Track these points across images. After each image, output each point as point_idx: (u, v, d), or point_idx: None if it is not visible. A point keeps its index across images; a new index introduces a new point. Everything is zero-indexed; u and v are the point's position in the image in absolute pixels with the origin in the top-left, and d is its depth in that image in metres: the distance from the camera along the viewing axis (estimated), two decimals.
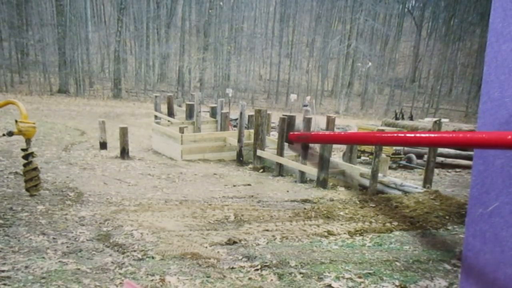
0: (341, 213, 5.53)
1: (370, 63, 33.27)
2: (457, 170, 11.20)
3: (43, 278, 3.07)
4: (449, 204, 5.84)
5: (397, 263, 3.84)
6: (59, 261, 3.40)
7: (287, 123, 9.14)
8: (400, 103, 33.70)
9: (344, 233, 4.67)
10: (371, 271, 3.60)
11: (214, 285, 3.16)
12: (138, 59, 34.81)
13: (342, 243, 4.35)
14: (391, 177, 7.86)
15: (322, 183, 7.54)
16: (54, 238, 3.95)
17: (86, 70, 31.30)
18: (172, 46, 35.24)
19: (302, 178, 8.09)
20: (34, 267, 3.25)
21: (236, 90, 33.09)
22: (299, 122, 10.79)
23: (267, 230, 4.61)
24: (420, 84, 39.57)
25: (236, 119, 13.13)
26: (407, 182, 7.67)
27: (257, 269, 3.50)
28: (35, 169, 5.38)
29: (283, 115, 8.98)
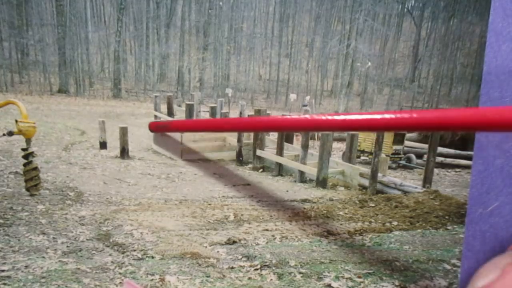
0: (341, 213, 5.54)
1: (369, 63, 33.28)
2: (457, 170, 11.21)
3: (43, 277, 3.07)
4: (449, 204, 5.85)
5: (397, 263, 3.84)
6: (59, 261, 3.40)
7: None
8: (400, 103, 33.72)
9: (344, 233, 4.67)
10: (370, 271, 3.60)
11: (213, 285, 3.16)
12: (138, 59, 34.82)
13: (342, 242, 4.35)
14: (390, 177, 7.87)
15: (321, 183, 7.54)
16: (54, 238, 3.95)
17: (86, 70, 31.29)
18: (172, 46, 35.24)
19: (302, 178, 8.10)
20: (34, 266, 3.25)
21: (236, 90, 33.10)
22: None
23: (267, 230, 4.61)
24: (420, 84, 39.58)
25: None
26: (407, 182, 7.67)
27: (257, 269, 3.50)
28: (35, 168, 5.38)
29: (283, 115, 8.99)
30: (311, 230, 4.72)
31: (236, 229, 4.61)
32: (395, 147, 11.07)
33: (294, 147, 9.50)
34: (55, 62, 29.35)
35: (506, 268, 0.17)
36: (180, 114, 13.89)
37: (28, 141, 5.28)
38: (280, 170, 8.75)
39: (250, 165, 9.53)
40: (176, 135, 9.93)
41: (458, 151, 12.10)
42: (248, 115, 11.65)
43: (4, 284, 2.92)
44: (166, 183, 7.20)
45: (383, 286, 3.33)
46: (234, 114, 14.25)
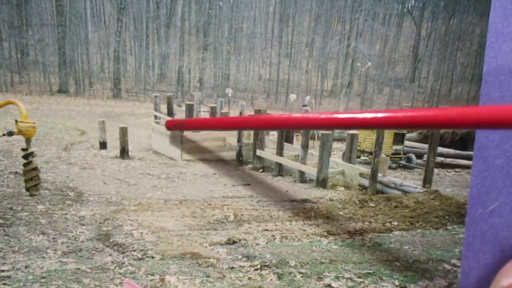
0: (341, 213, 5.54)
1: (369, 63, 33.27)
2: (457, 170, 11.20)
3: (43, 277, 3.07)
4: (449, 204, 5.85)
5: (397, 263, 3.84)
6: (59, 261, 3.40)
7: None
8: (400, 103, 33.71)
9: (344, 233, 4.67)
10: (370, 271, 3.60)
11: (213, 285, 3.16)
12: (138, 59, 34.81)
13: (342, 243, 4.35)
14: (390, 177, 7.87)
15: (321, 183, 7.54)
16: (54, 238, 3.94)
17: (86, 70, 31.28)
18: (172, 46, 35.24)
19: (302, 178, 8.10)
20: (34, 266, 3.25)
21: (236, 90, 33.09)
22: None
23: (267, 230, 4.61)
24: (420, 84, 39.57)
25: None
26: (407, 182, 7.67)
27: (257, 269, 3.50)
28: (35, 169, 5.38)
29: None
30: (311, 230, 4.72)
31: (236, 229, 4.61)
32: (395, 147, 11.07)
33: (294, 147, 9.50)
34: (55, 62, 29.35)
35: None
36: (180, 114, 13.89)
37: (28, 141, 5.28)
38: (280, 170, 8.75)
39: (250, 165, 9.53)
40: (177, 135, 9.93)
41: (458, 151, 12.10)
42: (248, 115, 11.64)
43: (4, 284, 2.92)
44: (166, 183, 7.20)
45: (383, 286, 3.33)
46: (234, 114, 14.24)
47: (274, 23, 42.74)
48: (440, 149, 10.77)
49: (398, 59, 41.94)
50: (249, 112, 12.45)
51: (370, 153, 10.65)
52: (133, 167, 8.43)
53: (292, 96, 13.55)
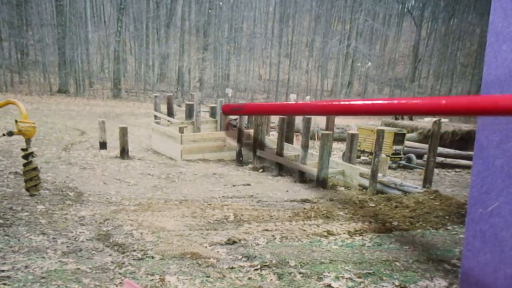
0: (341, 213, 5.54)
1: (369, 63, 33.27)
2: (457, 170, 11.21)
3: (43, 277, 3.07)
4: (449, 204, 5.85)
5: (397, 263, 3.84)
6: (59, 261, 3.40)
7: (287, 123, 9.14)
8: None
9: (344, 233, 4.67)
10: (370, 271, 3.60)
11: (213, 285, 3.16)
12: (138, 59, 34.82)
13: (342, 243, 4.35)
14: (390, 177, 7.87)
15: (321, 183, 7.54)
16: (54, 238, 3.95)
17: (86, 70, 31.29)
18: (172, 46, 35.27)
19: (302, 178, 8.10)
20: (34, 266, 3.25)
21: (236, 90, 33.12)
22: (298, 122, 10.79)
23: (267, 230, 4.61)
24: (420, 84, 39.58)
25: (236, 119, 13.14)
26: (407, 182, 7.67)
27: (257, 269, 3.50)
28: (35, 169, 5.38)
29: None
30: (311, 230, 4.72)
31: (236, 229, 4.61)
32: (395, 147, 11.08)
33: (294, 147, 9.50)
34: (55, 62, 29.36)
35: None
36: (180, 114, 13.89)
37: (28, 141, 5.28)
38: (280, 170, 8.75)
39: (250, 165, 9.53)
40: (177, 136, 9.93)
41: (458, 151, 12.11)
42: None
43: (4, 284, 2.92)
44: (166, 183, 7.20)
45: (383, 286, 3.33)
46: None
47: (274, 23, 42.76)
48: (440, 149, 10.78)
49: (398, 59, 41.95)
50: None
51: (370, 153, 10.65)
52: (133, 167, 8.43)
53: (292, 96, 13.53)
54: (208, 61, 35.58)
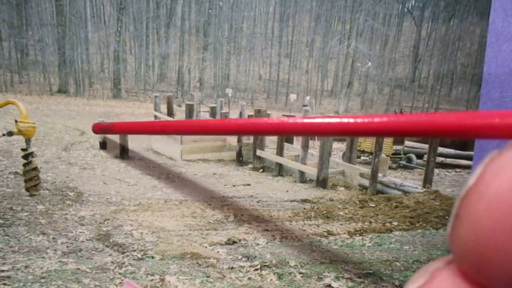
0: (341, 213, 5.54)
1: (369, 63, 33.28)
2: (457, 170, 11.20)
3: (43, 278, 3.07)
4: (449, 204, 5.85)
5: (397, 263, 3.84)
6: (59, 261, 3.40)
7: None
8: (400, 103, 33.71)
9: (344, 233, 4.67)
10: (370, 271, 3.60)
11: (213, 285, 3.16)
12: (138, 59, 34.82)
13: (342, 243, 4.35)
14: (391, 177, 7.87)
15: (321, 183, 7.54)
16: (54, 238, 3.94)
17: (85, 70, 31.29)
18: (172, 46, 35.26)
19: (302, 178, 8.10)
20: (34, 267, 3.25)
21: (236, 90, 33.10)
22: None
23: (267, 230, 4.61)
24: (420, 84, 39.58)
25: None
26: (407, 182, 7.67)
27: (257, 269, 3.50)
28: (35, 169, 5.37)
29: (283, 115, 8.98)
30: (311, 230, 4.72)
31: (236, 229, 4.61)
32: (395, 147, 11.07)
33: (294, 147, 9.50)
34: (54, 62, 29.36)
35: (434, 272, 0.18)
36: (180, 114, 13.89)
37: (28, 141, 5.27)
38: (280, 170, 8.75)
39: (250, 165, 9.53)
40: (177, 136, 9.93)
41: (458, 151, 12.09)
42: (248, 116, 11.64)
43: (4, 284, 2.92)
44: (166, 183, 7.20)
45: (383, 286, 3.33)
46: (234, 114, 14.25)
47: (274, 23, 42.74)
48: (440, 149, 10.77)
49: (398, 59, 41.94)
50: (249, 112, 12.44)
51: (370, 153, 10.65)
52: (133, 167, 8.43)
53: (292, 96, 13.54)
54: (208, 61, 35.59)
